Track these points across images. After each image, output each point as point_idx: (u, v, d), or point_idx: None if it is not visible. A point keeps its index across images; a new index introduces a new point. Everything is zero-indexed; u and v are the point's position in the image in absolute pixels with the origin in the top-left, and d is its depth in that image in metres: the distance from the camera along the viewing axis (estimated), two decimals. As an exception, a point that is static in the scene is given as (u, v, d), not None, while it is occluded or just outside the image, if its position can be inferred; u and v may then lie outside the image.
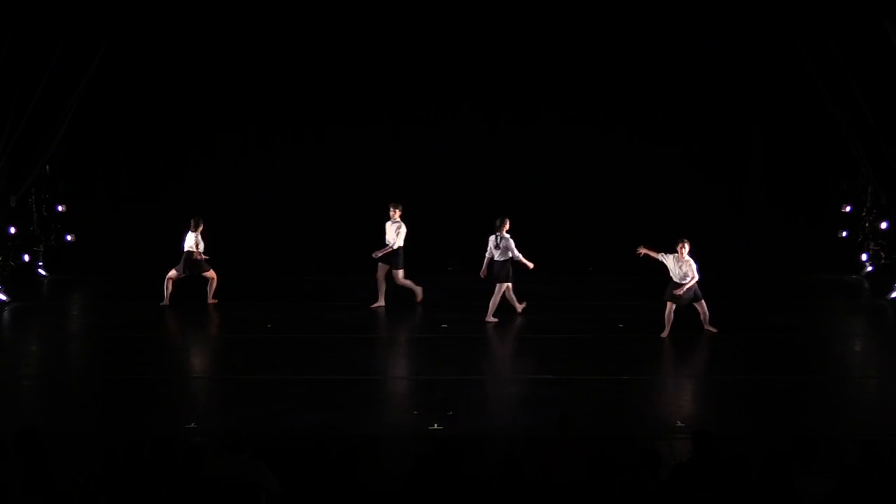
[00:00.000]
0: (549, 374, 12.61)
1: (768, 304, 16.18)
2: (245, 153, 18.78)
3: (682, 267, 13.80)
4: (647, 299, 14.99)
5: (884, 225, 17.33)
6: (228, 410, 11.30)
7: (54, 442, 8.09)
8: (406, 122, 18.55)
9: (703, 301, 14.01)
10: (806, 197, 18.57)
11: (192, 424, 10.70)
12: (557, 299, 16.15)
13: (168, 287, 15.72)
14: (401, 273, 15.52)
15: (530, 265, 14.74)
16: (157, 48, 17.67)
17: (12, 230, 17.05)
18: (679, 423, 10.81)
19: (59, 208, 18.46)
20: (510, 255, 14.66)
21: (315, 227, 18.27)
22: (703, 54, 17.79)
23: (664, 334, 13.98)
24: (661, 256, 13.96)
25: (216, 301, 15.90)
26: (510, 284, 14.80)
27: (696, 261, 13.82)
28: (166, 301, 15.69)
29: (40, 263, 18.13)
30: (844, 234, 18.31)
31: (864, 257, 17.91)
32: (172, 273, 15.69)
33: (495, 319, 14.79)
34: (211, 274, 15.83)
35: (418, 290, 15.69)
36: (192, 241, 15.60)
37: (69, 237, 18.63)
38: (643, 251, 14.07)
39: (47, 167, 17.83)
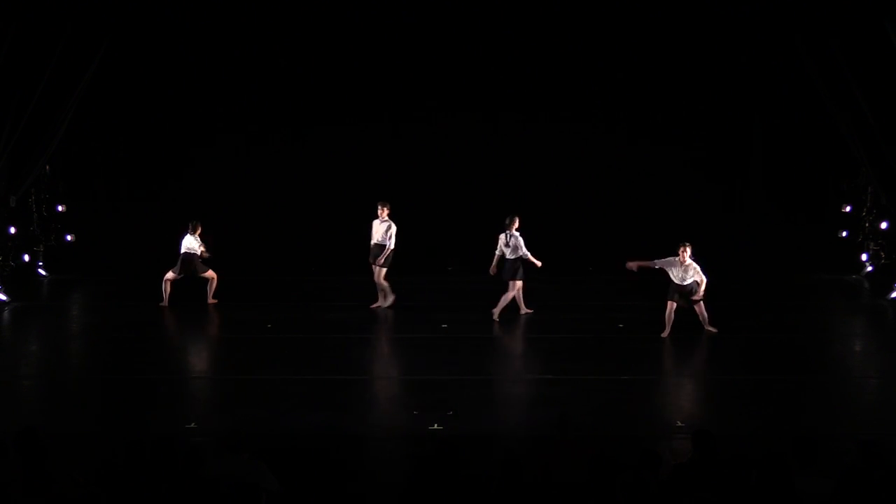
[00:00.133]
0: (549, 374, 12.62)
1: (768, 304, 16.19)
2: (245, 153, 18.77)
3: (687, 270, 13.78)
4: (647, 299, 14.98)
5: (884, 225, 17.33)
6: (228, 410, 11.30)
7: (54, 442, 8.08)
8: (406, 122, 18.55)
9: (702, 303, 13.99)
10: (806, 197, 18.57)
11: (192, 424, 10.69)
12: (557, 299, 16.15)
13: (166, 288, 15.72)
14: (383, 272, 15.44)
15: (538, 263, 14.76)
16: (157, 48, 17.67)
17: (12, 230, 17.04)
18: (679, 423, 10.81)
19: (59, 208, 18.46)
20: (520, 252, 14.69)
21: (315, 227, 18.26)
22: (703, 54, 17.78)
23: (664, 334, 13.98)
24: (655, 263, 13.92)
25: (216, 301, 15.90)
26: (521, 283, 14.83)
27: (696, 263, 13.82)
28: (165, 302, 15.70)
29: (40, 263, 18.13)
30: (844, 234, 18.31)
31: (864, 257, 17.91)
32: (170, 275, 15.69)
33: (497, 320, 14.80)
34: (211, 274, 15.84)
35: (392, 297, 15.59)
36: (190, 243, 15.60)
37: (69, 237, 18.63)
38: (634, 265, 14.02)
39: (47, 167, 17.82)
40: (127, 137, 18.67)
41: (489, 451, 9.67)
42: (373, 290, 15.64)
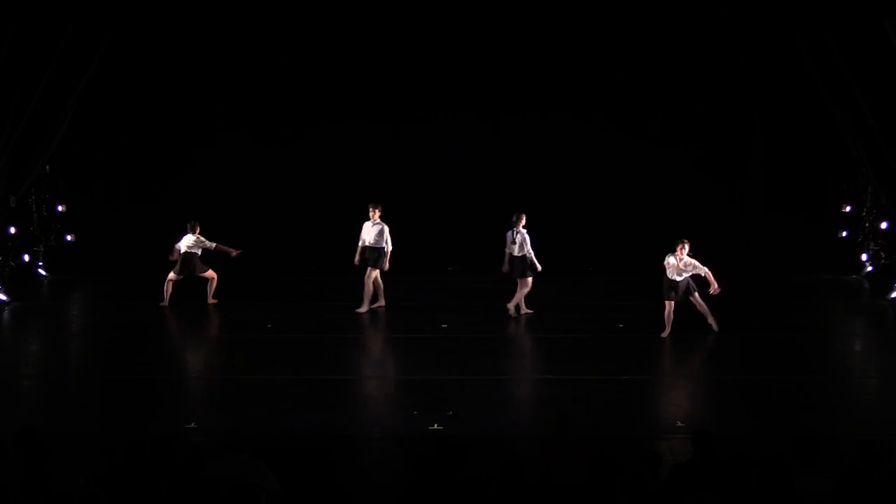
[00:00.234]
0: (549, 374, 12.62)
1: (768, 304, 16.18)
2: (245, 153, 18.76)
3: (686, 267, 13.75)
4: (647, 299, 14.97)
5: (884, 225, 17.32)
6: (228, 410, 11.30)
7: (54, 442, 8.09)
8: (406, 122, 18.52)
9: (696, 294, 13.97)
10: (806, 197, 18.57)
11: (192, 424, 10.70)
12: (557, 299, 16.14)
13: (168, 289, 15.72)
14: (376, 273, 15.40)
15: (538, 267, 14.81)
16: (157, 48, 17.66)
17: (12, 230, 17.04)
18: (679, 423, 10.82)
19: (59, 208, 18.44)
20: (525, 250, 14.71)
21: (315, 227, 18.24)
22: (703, 54, 17.77)
23: (664, 334, 13.98)
24: (666, 264, 13.88)
25: (216, 301, 15.90)
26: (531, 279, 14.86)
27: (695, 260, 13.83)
28: (165, 302, 15.70)
29: (40, 263, 18.13)
30: (844, 234, 18.30)
31: (864, 257, 17.90)
32: (172, 275, 15.69)
33: (514, 313, 14.89)
34: (211, 274, 15.84)
35: (382, 300, 15.56)
36: (190, 241, 15.59)
37: (69, 237, 18.61)
38: (715, 284, 13.79)
39: (47, 167, 17.82)
40: (127, 137, 18.64)
41: (489, 450, 9.67)
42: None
